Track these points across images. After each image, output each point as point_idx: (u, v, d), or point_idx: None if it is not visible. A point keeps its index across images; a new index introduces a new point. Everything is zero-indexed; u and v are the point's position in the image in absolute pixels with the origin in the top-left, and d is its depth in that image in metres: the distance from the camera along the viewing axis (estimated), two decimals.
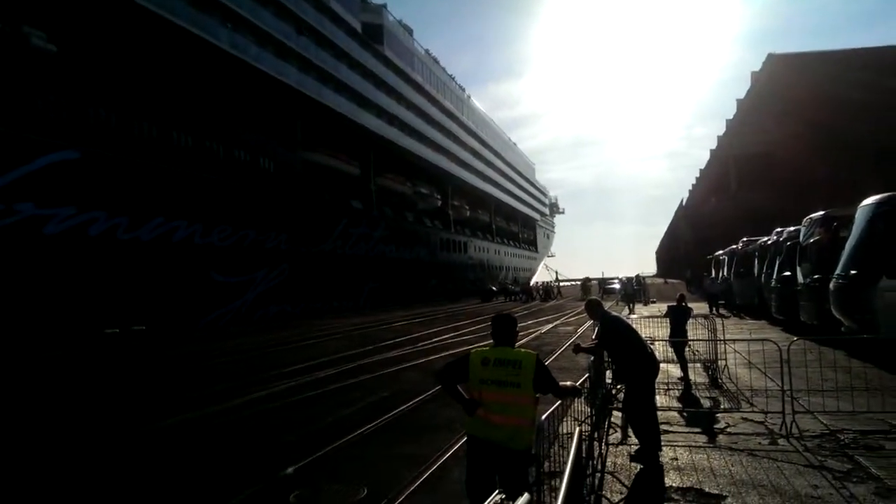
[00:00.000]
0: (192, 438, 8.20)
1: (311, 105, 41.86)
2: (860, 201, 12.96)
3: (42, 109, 23.92)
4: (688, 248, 74.70)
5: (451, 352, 15.90)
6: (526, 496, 2.37)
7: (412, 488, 5.69)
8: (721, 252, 33.05)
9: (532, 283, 68.14)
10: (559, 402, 4.48)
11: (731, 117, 67.05)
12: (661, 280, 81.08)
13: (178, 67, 30.68)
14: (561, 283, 68.28)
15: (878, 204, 12.15)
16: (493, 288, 65.05)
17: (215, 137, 33.22)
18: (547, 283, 65.15)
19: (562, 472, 3.53)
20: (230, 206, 32.90)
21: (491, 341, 3.94)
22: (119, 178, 26.11)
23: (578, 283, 68.64)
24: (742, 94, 62.07)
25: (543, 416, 4.03)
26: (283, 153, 39.63)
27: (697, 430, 7.33)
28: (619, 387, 8.04)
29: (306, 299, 40.14)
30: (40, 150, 23.12)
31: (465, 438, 3.85)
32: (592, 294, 43.90)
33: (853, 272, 12.13)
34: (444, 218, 71.14)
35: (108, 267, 25.47)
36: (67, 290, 23.78)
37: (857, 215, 12.83)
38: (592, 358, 6.78)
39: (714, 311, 25.09)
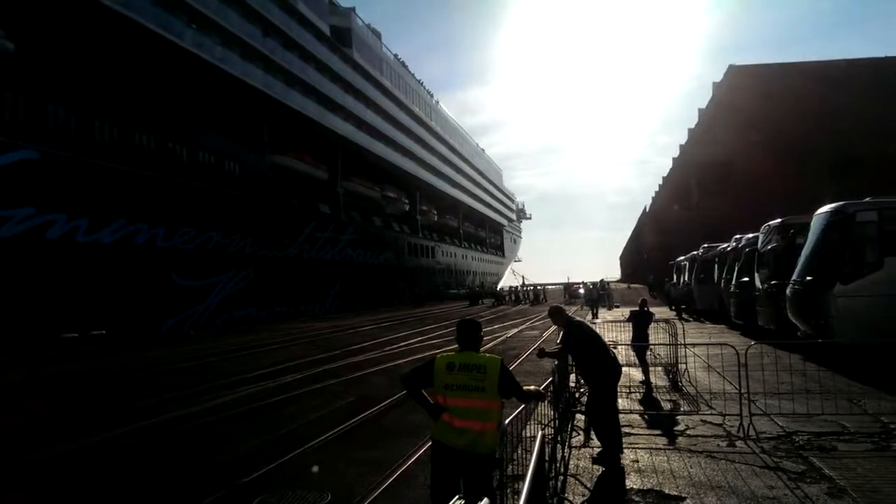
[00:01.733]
0: (152, 445, 8.02)
1: (278, 108, 41.42)
2: (815, 209, 13.36)
3: None
4: (651, 254, 75.99)
5: (417, 356, 15.88)
6: (486, 501, 2.39)
7: (376, 493, 5.67)
8: (682, 258, 33.70)
9: (518, 287, 68.24)
10: (523, 405, 4.52)
11: (693, 126, 68.55)
12: (624, 285, 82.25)
13: (141, 67, 30.02)
14: (547, 288, 68.81)
15: (832, 212, 12.54)
16: (479, 290, 65.29)
17: (179, 139, 32.61)
18: (535, 287, 65.87)
19: (525, 476, 3.57)
20: (194, 209, 32.28)
21: (456, 346, 3.95)
22: (79, 180, 25.43)
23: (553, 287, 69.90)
24: (704, 104, 63.52)
25: (507, 420, 4.06)
26: (250, 156, 39.12)
27: (658, 432, 7.46)
28: (582, 390, 8.14)
29: (272, 303, 39.62)
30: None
31: (430, 443, 3.85)
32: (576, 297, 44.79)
33: (809, 278, 12.51)
34: (411, 223, 71.08)
35: (67, 269, 24.78)
36: (24, 294, 23.04)
37: (812, 223, 13.22)
38: (556, 362, 6.85)
39: (679, 316, 25.64)
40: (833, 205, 12.69)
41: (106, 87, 28.09)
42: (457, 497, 2.38)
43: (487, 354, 3.83)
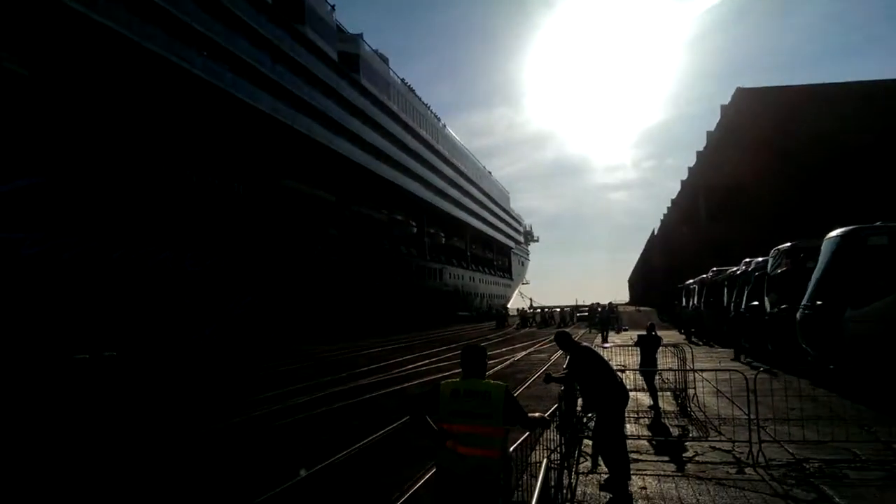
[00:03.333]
0: (155, 470, 7.99)
1: (287, 132, 41.90)
2: (826, 233, 13.31)
3: (11, 132, 23.62)
4: (659, 277, 75.68)
5: (424, 379, 15.82)
6: None
7: None
8: (691, 281, 33.53)
9: (544, 310, 67.54)
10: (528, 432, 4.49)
11: (701, 149, 68.66)
12: (633, 308, 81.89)
13: (151, 92, 30.52)
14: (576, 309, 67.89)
15: (842, 236, 12.49)
16: (505, 313, 64.92)
17: (188, 163, 33.03)
18: (563, 309, 65.63)
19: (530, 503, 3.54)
20: (203, 232, 32.57)
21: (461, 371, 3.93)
22: (89, 203, 25.78)
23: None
24: (712, 127, 63.70)
25: (514, 446, 4.03)
26: (259, 180, 39.51)
27: (666, 458, 7.38)
28: (589, 415, 8.08)
29: (279, 326, 39.64)
30: (8, 173, 22.76)
31: (434, 470, 3.82)
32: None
33: (819, 302, 12.41)
34: (419, 245, 71.24)
35: (79, 291, 25.03)
36: (36, 315, 23.26)
37: (822, 247, 13.16)
38: (563, 387, 6.81)
39: (689, 339, 25.51)
40: (844, 228, 12.64)
41: (117, 111, 28.54)
42: None
43: (493, 381, 3.80)
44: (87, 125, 26.95)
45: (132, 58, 28.69)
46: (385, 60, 65.06)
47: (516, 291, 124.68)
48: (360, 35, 58.37)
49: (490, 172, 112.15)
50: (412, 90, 72.76)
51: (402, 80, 70.54)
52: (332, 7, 53.40)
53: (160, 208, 29.75)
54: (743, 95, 52.25)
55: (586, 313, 55.73)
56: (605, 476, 6.41)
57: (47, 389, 17.25)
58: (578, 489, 6.20)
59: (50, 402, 14.94)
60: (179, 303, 31.01)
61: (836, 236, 12.68)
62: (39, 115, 24.92)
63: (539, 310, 66.53)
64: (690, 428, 9.08)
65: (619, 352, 13.16)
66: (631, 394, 7.59)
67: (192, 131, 33.39)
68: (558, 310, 65.73)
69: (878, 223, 12.45)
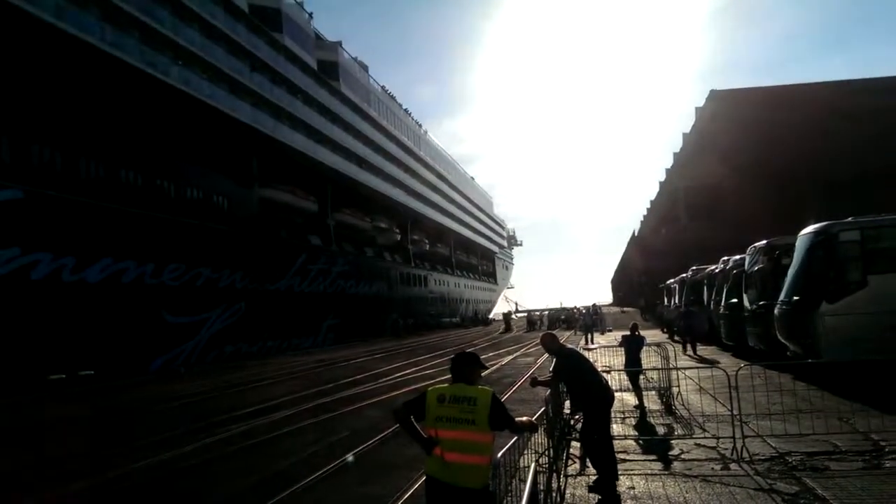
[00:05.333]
0: (138, 490, 7.93)
1: (267, 141, 41.69)
2: (800, 230, 13.57)
3: None
4: (641, 278, 76.27)
5: (412, 387, 15.81)
6: None
7: None
8: (672, 280, 33.86)
9: (549, 312, 67.31)
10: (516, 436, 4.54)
11: (678, 150, 69.40)
12: (617, 309, 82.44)
13: (127, 105, 30.18)
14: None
15: (815, 233, 12.74)
16: (507, 316, 64.61)
17: (166, 175, 32.71)
18: (569, 310, 65.57)
19: None
20: (182, 245, 32.21)
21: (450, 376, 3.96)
22: (65, 218, 25.39)
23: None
24: (688, 128, 64.42)
25: (502, 451, 4.07)
26: (238, 190, 39.25)
27: (653, 457, 7.49)
28: (576, 417, 8.16)
29: (264, 337, 39.33)
30: None
31: (424, 478, 3.86)
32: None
33: (795, 298, 12.64)
34: (403, 252, 71.17)
35: (54, 310, 24.57)
36: (8, 335, 22.79)
37: (797, 244, 13.42)
38: (549, 391, 6.89)
39: (671, 337, 25.76)
40: (816, 225, 12.89)
41: (92, 125, 28.18)
42: None
43: (479, 387, 3.83)
44: (60, 139, 26.59)
45: (105, 69, 28.30)
46: (364, 68, 65.09)
47: (501, 296, 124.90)
48: (339, 43, 58.42)
49: (473, 178, 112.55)
50: (393, 97, 72.84)
51: (383, 87, 70.64)
52: (310, 15, 53.44)
53: (137, 222, 29.38)
54: (717, 97, 52.94)
55: (563, 317, 56.05)
56: (594, 477, 6.49)
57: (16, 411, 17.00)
58: (567, 492, 6.27)
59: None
60: (159, 318, 30.63)
61: (810, 233, 12.93)
62: (12, 129, 24.54)
63: (546, 312, 66.52)
64: (676, 426, 9.21)
65: (604, 352, 13.28)
66: (617, 394, 7.68)
67: (168, 143, 33.06)
68: (563, 314, 65.79)
69: (849, 219, 12.72)
